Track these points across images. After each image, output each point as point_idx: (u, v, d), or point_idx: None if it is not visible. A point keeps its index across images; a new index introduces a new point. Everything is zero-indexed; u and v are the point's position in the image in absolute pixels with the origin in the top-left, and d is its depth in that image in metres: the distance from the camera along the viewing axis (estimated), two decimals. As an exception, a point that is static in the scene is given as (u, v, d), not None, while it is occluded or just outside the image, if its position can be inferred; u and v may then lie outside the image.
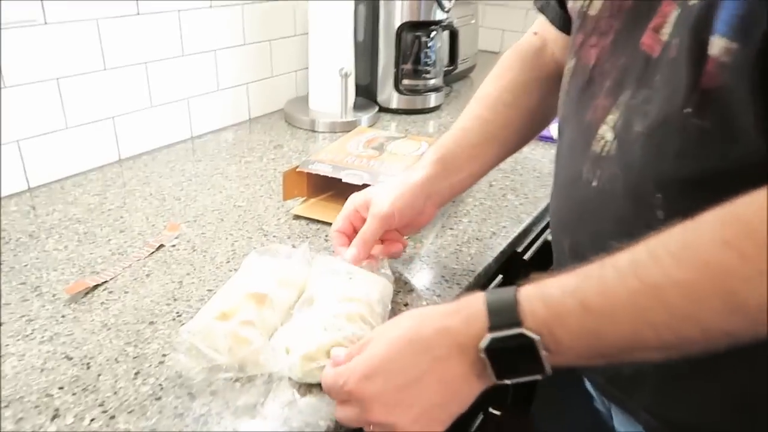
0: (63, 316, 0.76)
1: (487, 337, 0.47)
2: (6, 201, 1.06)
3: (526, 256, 1.08)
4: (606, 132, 0.55)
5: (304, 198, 1.07)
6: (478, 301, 0.49)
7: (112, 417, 0.61)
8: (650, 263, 0.41)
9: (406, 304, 0.81)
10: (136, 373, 0.67)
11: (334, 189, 1.07)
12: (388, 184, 0.79)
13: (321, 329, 0.67)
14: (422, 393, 0.49)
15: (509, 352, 0.47)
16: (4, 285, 0.82)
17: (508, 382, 0.51)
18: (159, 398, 0.63)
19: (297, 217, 1.03)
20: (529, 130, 0.82)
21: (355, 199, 0.81)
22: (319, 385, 0.61)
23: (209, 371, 0.65)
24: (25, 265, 0.87)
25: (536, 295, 0.46)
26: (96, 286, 0.82)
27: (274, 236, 0.97)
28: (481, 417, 1.05)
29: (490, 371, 0.49)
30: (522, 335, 0.46)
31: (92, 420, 0.60)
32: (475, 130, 0.79)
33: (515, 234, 1.02)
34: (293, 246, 0.92)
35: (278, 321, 0.73)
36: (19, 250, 0.91)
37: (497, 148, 0.80)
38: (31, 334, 0.73)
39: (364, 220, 0.77)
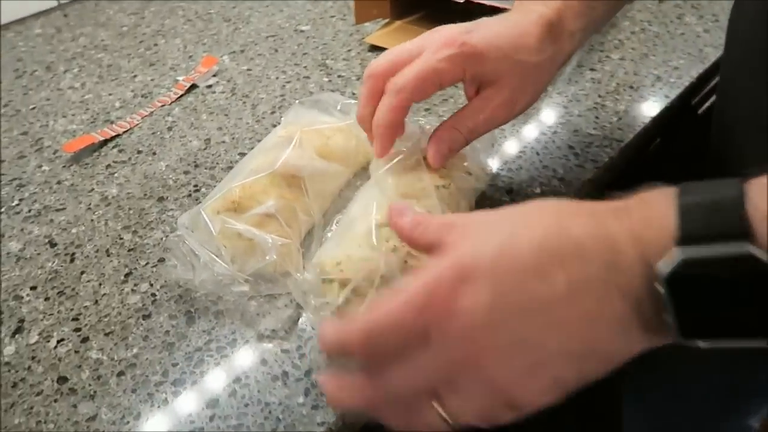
0: (59, 183, 0.60)
1: (675, 256, 0.26)
2: (31, 22, 0.88)
3: (701, 110, 0.74)
4: None
5: (385, 20, 0.78)
6: (662, 196, 0.29)
7: (85, 339, 0.45)
8: None
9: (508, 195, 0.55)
10: (127, 275, 0.50)
11: (429, 8, 0.77)
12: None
13: (354, 245, 0.44)
14: (552, 332, 0.29)
15: (714, 285, 0.26)
16: (4, 135, 0.67)
17: (701, 343, 0.27)
18: (148, 316, 0.46)
19: (373, 48, 0.75)
20: None
21: (442, 34, 0.45)
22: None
23: (215, 284, 0.45)
24: (33, 108, 0.71)
25: None
26: (105, 141, 0.64)
27: (339, 76, 0.72)
28: None
29: (670, 319, 0.27)
30: (749, 257, 0.25)
31: (60, 341, 0.45)
32: None
33: (691, 79, 0.67)
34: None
35: (316, 214, 0.51)
36: (30, 88, 0.74)
37: None
38: (18, 205, 0.57)
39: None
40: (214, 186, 0.57)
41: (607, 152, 0.59)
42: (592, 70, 0.69)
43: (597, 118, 0.63)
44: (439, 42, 0.43)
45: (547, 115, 0.63)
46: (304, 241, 0.50)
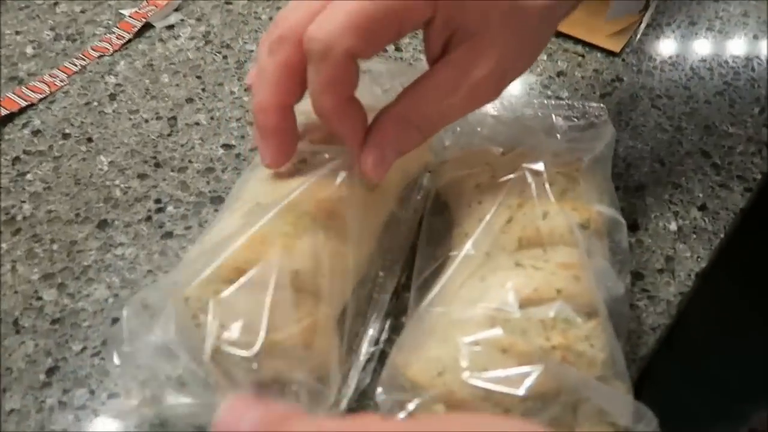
0: (-65, 188, 0.38)
1: None
2: None
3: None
4: None
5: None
6: None
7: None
8: None
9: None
10: (50, 372, 0.30)
11: None
12: None
13: (465, 339, 0.26)
14: None
15: None
16: None
17: None
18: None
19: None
20: None
21: None
22: None
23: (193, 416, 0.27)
24: None
25: None
26: (10, 116, 0.42)
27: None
28: None
29: None
30: None
31: None
32: None
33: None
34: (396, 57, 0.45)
35: (363, 271, 0.32)
36: None
37: None
38: None
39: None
40: (187, 210, 0.37)
41: (757, 164, 0.41)
42: (708, 29, 0.50)
43: (732, 107, 0.44)
44: None
45: (659, 97, 0.44)
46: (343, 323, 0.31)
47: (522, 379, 0.24)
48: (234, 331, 0.26)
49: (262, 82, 0.27)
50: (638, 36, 0.49)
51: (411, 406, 0.24)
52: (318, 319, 0.28)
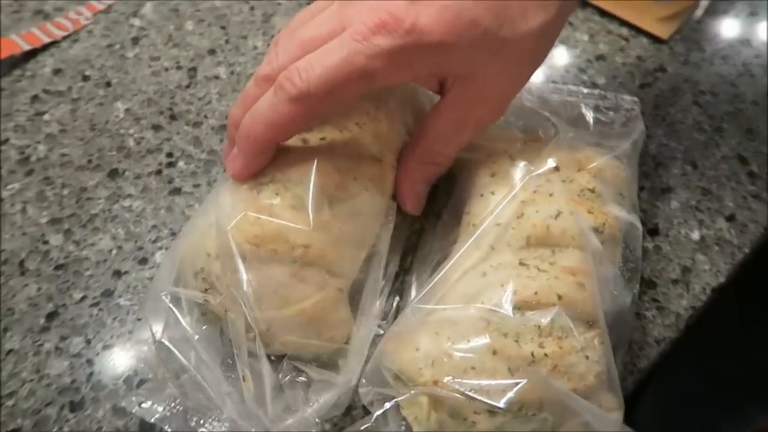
0: (-46, 120, 0.38)
1: None
2: None
3: None
4: None
5: None
6: None
7: (-28, 441, 0.27)
8: None
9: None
10: (50, 317, 0.31)
11: None
12: None
13: (458, 337, 0.26)
14: None
15: None
16: None
17: None
18: (79, 405, 0.29)
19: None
20: None
21: (373, 6, 0.27)
22: None
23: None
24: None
25: None
26: (33, 52, 0.42)
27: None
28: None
29: None
30: None
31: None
32: None
33: None
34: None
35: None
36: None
37: None
38: None
39: None
40: (197, 168, 0.37)
41: (798, 176, 0.39)
42: (752, 14, 0.46)
43: (780, 110, 0.42)
44: (368, 21, 0.25)
45: (703, 93, 0.42)
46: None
47: (506, 389, 0.23)
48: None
49: (242, 102, 0.28)
50: (692, 23, 0.46)
51: (389, 405, 0.24)
52: (329, 293, 0.28)
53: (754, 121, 0.41)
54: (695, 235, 0.36)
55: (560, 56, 0.43)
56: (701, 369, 0.75)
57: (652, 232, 0.36)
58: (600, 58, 0.44)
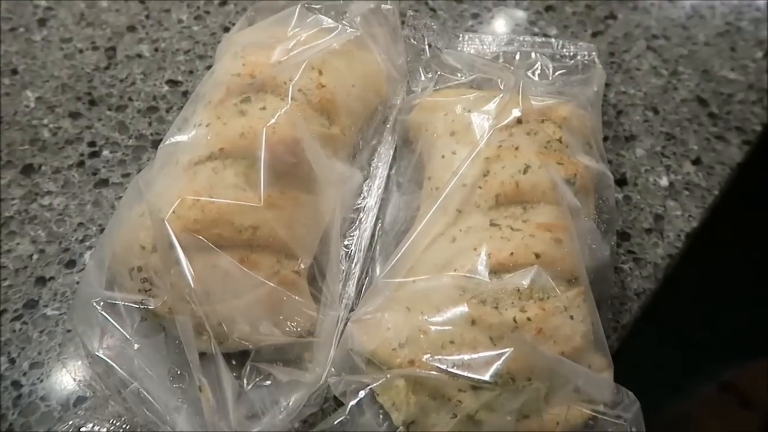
0: None
1: None
2: None
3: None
4: None
5: None
6: None
7: None
8: None
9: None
10: (-36, 339, 0.27)
11: None
12: None
13: (432, 310, 0.23)
14: None
15: None
16: None
17: None
18: (6, 436, 0.25)
19: None
20: None
21: None
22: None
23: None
24: None
25: None
26: None
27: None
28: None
29: None
30: None
31: None
32: None
33: None
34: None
35: (328, 221, 0.28)
36: None
37: None
38: None
39: None
40: (125, 156, 0.33)
41: (757, 114, 0.38)
42: (713, -36, 0.46)
43: (733, 50, 0.41)
44: None
45: (656, 38, 0.40)
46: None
47: (490, 361, 0.21)
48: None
49: None
50: (636, -32, 0.44)
51: (363, 393, 0.21)
52: (285, 278, 0.25)
53: (709, 62, 0.40)
54: (664, 182, 0.34)
55: (509, 10, 0.41)
56: (667, 337, 0.75)
57: (620, 182, 0.34)
58: (549, 9, 0.42)
